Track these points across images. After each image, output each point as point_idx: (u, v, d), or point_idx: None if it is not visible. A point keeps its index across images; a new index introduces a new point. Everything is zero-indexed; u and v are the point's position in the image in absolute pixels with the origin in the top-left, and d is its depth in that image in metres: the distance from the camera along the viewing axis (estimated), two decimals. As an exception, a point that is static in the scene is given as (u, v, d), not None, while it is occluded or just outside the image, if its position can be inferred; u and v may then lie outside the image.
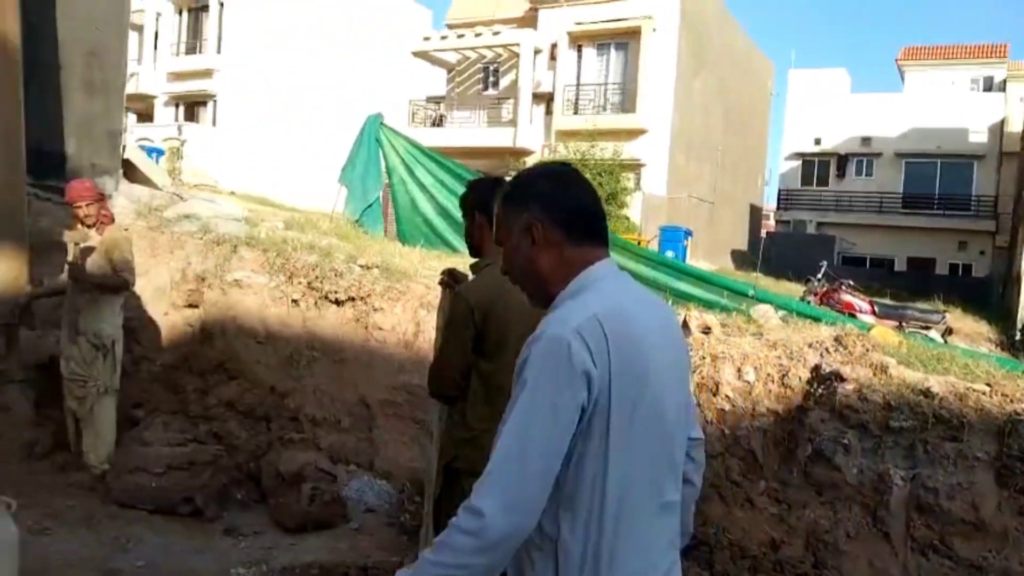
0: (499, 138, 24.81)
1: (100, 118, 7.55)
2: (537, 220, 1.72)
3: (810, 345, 4.88)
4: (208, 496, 5.06)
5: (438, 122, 28.34)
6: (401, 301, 6.25)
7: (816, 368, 4.66)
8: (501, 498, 1.52)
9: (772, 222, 39.24)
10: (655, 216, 21.99)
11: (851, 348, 4.75)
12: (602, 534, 1.59)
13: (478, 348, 2.83)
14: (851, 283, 10.31)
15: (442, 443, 3.03)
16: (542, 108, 25.17)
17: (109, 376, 5.39)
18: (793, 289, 12.86)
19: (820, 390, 4.51)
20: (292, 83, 28.58)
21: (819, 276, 9.61)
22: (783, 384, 4.73)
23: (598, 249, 1.75)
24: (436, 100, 30.04)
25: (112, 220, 5.48)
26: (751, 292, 7.53)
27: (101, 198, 5.41)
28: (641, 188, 22.18)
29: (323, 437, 6.08)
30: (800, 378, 4.69)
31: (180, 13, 31.46)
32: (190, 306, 7.12)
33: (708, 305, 7.60)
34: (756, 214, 34.77)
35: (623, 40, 23.56)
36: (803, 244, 30.97)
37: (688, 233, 19.29)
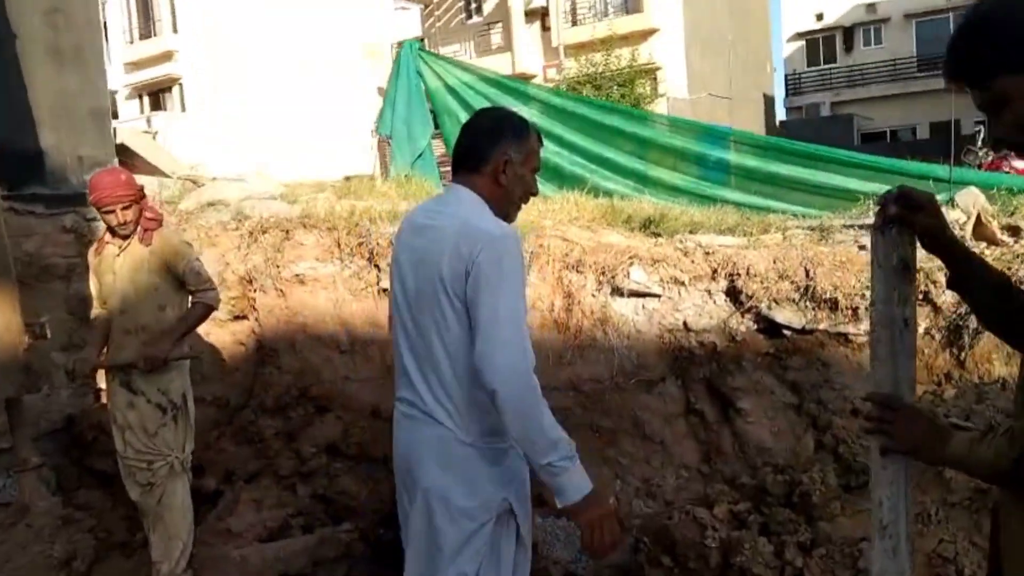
0: (494, 67, 22.67)
1: (78, 95, 5.62)
2: None
3: None
4: (349, 603, 3.41)
5: (422, 63, 26.13)
6: (536, 266, 4.50)
7: None
8: None
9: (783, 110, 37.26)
10: (680, 122, 20.09)
11: None
12: None
13: None
14: (1025, 145, 8.44)
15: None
16: (536, 26, 23.02)
17: (182, 445, 3.70)
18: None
19: None
20: (259, 48, 26.20)
21: (979, 145, 7.88)
22: None
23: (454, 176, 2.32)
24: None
25: (160, 223, 3.77)
26: (948, 177, 5.81)
27: (142, 196, 3.71)
28: (662, 93, 20.21)
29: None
30: None
31: (127, -5, 29.01)
32: (237, 318, 5.39)
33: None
34: (770, 104, 32.73)
35: (617, -66, 21.33)
36: (821, 128, 28.94)
37: (730, 132, 17.35)
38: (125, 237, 3.68)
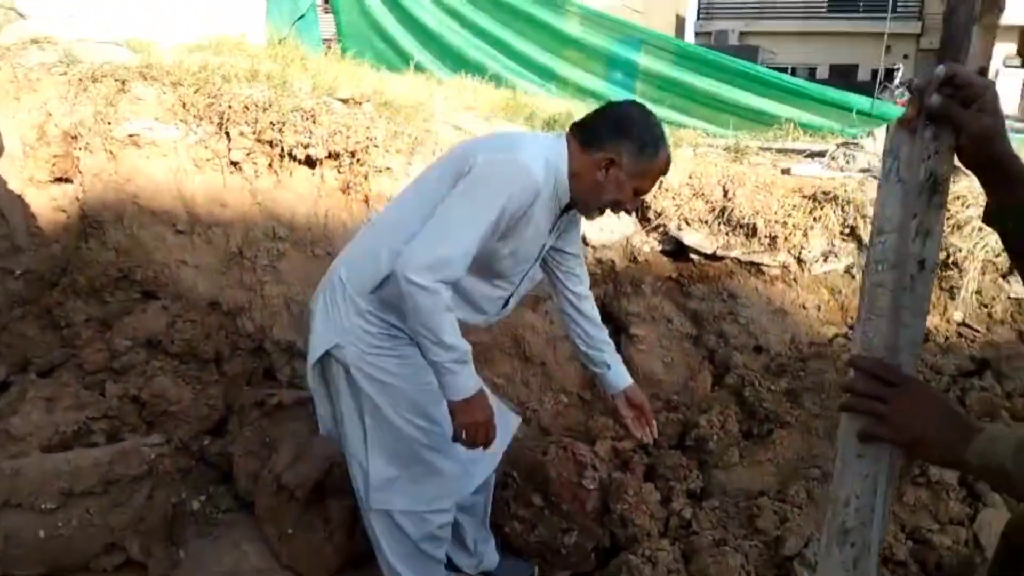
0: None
1: None
2: None
3: None
4: (149, 534, 2.81)
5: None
6: (419, 154, 3.84)
7: None
8: None
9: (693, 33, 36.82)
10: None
11: None
12: None
13: None
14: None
15: None
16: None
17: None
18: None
19: None
20: None
21: (898, 82, 7.53)
22: None
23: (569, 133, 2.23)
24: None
25: None
26: (869, 109, 5.43)
27: None
28: (576, -1, 19.29)
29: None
30: None
31: None
32: (59, 180, 4.52)
33: (804, 128, 5.50)
34: (680, 26, 32.20)
35: None
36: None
37: (642, 42, 16.72)
38: None
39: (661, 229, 3.54)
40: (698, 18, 35.04)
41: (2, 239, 4.30)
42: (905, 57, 32.15)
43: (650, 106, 6.47)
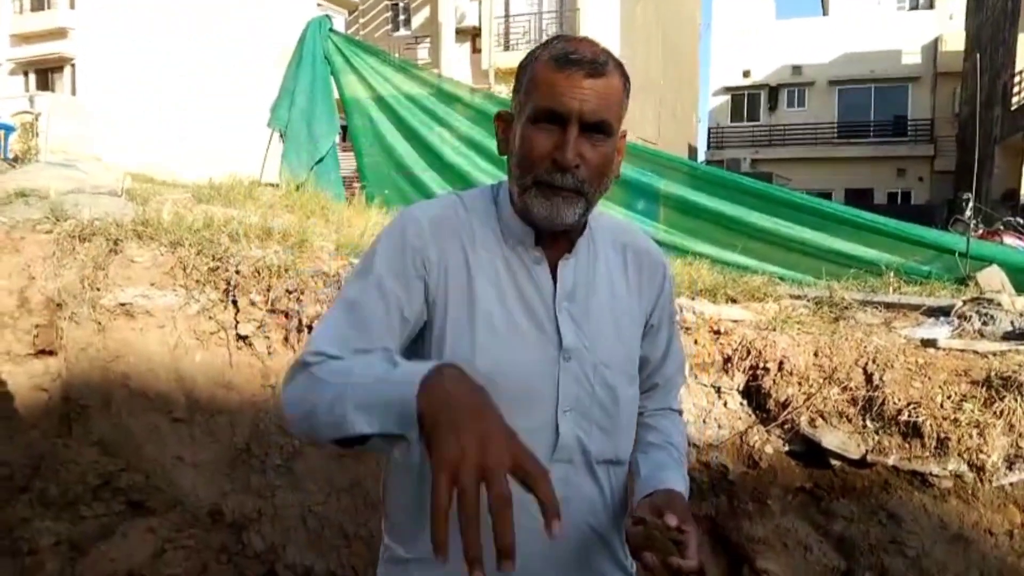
0: (419, 84, 21.33)
1: None
2: None
3: None
4: None
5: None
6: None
7: None
8: None
9: (704, 162, 37.12)
10: (608, 162, 19.15)
11: None
12: None
13: None
14: (1020, 220, 7.65)
15: None
16: (466, 46, 21.82)
17: None
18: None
19: None
20: (164, 41, 23.93)
21: (968, 215, 6.92)
22: None
23: None
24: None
25: None
26: (964, 249, 4.71)
27: None
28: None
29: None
30: None
31: (19, -41, 26.58)
32: (41, 353, 3.84)
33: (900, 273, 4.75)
34: (693, 155, 32.38)
35: (559, -39, 20.52)
36: (741, 183, 28.65)
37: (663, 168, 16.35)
38: None
39: (787, 425, 2.77)
40: (709, 147, 35.46)
41: (-31, 427, 3.61)
42: (920, 180, 32.23)
43: (682, 238, 5.65)
